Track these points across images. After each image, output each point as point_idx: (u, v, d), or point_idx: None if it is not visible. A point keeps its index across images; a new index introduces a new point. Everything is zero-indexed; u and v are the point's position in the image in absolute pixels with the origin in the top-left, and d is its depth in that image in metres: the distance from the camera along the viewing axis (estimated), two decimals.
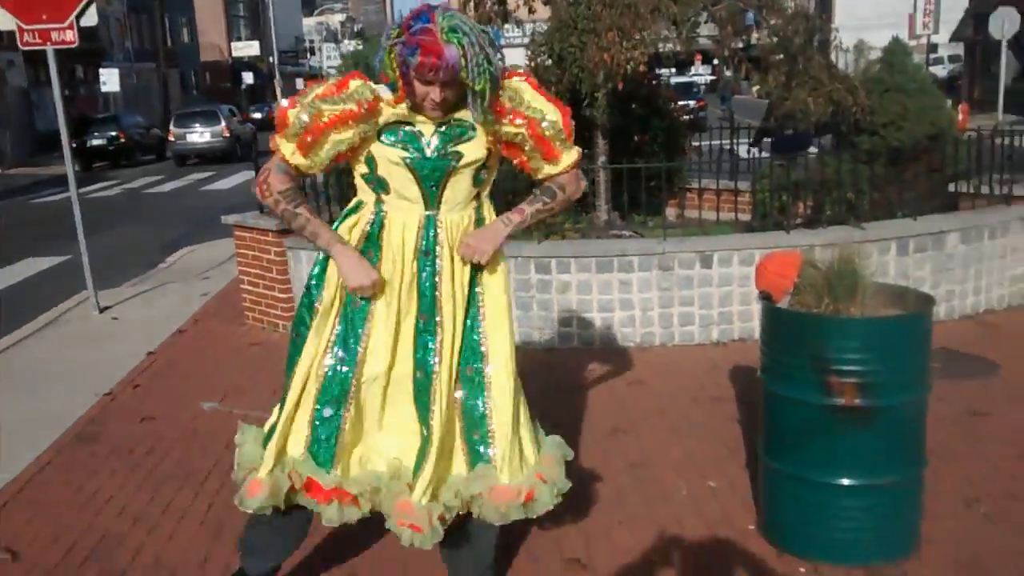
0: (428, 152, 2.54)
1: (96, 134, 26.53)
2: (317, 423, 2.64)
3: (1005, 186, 6.08)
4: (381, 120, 2.54)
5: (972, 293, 5.82)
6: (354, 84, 2.50)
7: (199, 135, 25.60)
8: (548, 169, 2.70)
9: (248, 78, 51.88)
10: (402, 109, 2.54)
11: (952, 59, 37.63)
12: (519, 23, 7.55)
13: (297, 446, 2.67)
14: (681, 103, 14.62)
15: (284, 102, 2.57)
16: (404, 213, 2.61)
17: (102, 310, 7.52)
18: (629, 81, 6.77)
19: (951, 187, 6.32)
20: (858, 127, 6.45)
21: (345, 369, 2.63)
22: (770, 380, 3.09)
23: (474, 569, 2.83)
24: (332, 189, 6.51)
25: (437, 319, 2.62)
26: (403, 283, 2.62)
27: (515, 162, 2.71)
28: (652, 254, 5.49)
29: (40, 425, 4.88)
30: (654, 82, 7.86)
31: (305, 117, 2.48)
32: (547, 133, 2.61)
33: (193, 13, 52.44)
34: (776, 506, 3.17)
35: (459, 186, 2.60)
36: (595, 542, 3.28)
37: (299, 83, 63.49)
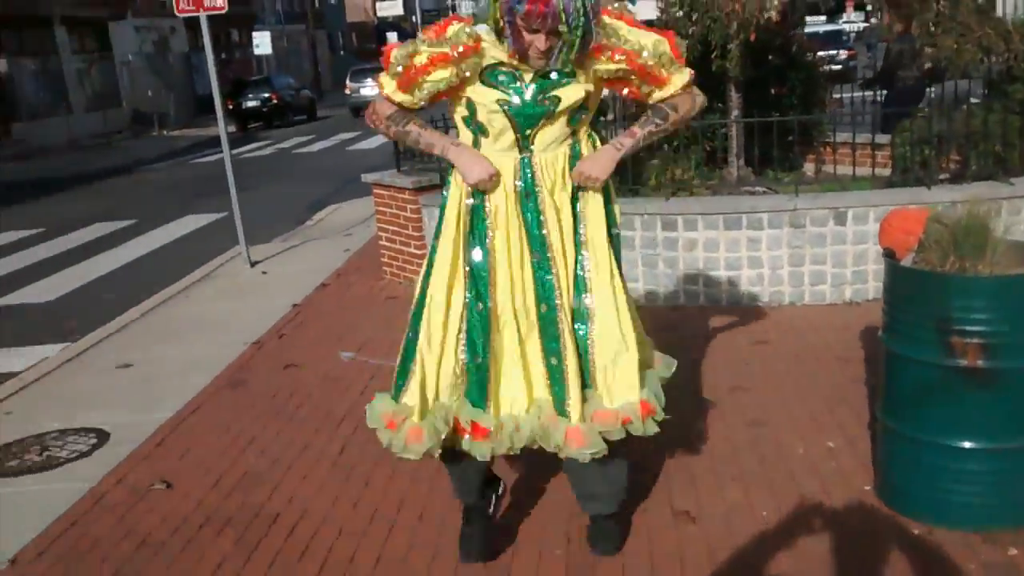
0: (527, 96, 2.61)
1: (250, 96, 27.79)
2: (470, 369, 2.76)
3: None
4: (484, 61, 2.61)
5: None
6: (452, 28, 2.59)
7: (370, 89, 26.58)
8: (659, 94, 2.72)
9: (392, 37, 52.87)
10: (505, 54, 2.60)
11: None
12: None
13: (449, 391, 2.79)
14: (830, 52, 14.03)
15: (392, 42, 2.72)
16: (500, 157, 2.69)
17: (253, 264, 7.99)
18: (764, 31, 6.58)
19: None
20: (1011, 75, 6.05)
21: (481, 307, 2.74)
22: (890, 339, 3.02)
23: (608, 489, 2.94)
24: None
25: (549, 255, 2.72)
26: (509, 224, 2.72)
27: (625, 92, 2.76)
28: (783, 211, 5.37)
29: (194, 371, 5.28)
30: (792, 34, 7.57)
31: (403, 55, 2.60)
32: (649, 63, 2.63)
33: None
34: (893, 468, 3.11)
35: (553, 128, 2.67)
36: (706, 497, 3.32)
37: None
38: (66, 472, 4.06)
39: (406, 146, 2.86)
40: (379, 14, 54.15)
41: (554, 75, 2.61)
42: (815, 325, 5.13)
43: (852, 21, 43.14)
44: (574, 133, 2.75)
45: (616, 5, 2.70)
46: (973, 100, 6.43)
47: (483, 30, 2.62)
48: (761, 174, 6.71)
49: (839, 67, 18.08)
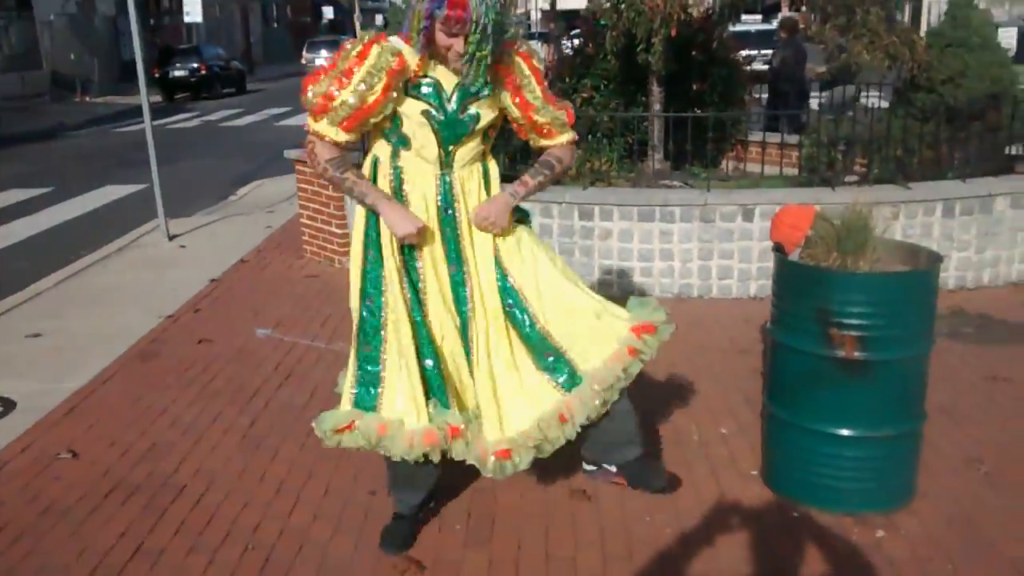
0: (449, 107, 2.72)
1: (178, 65, 27.15)
2: (431, 375, 2.85)
3: None
4: (407, 74, 2.68)
5: (1019, 260, 5.75)
6: (375, 51, 2.64)
7: (325, 60, 26.21)
8: (543, 143, 2.95)
9: (328, 12, 52.19)
10: (427, 64, 2.70)
11: None
12: None
13: (421, 397, 2.83)
14: (762, 51, 14.29)
15: (310, 90, 2.69)
16: (420, 172, 2.80)
17: (171, 238, 7.90)
18: (687, 27, 6.76)
19: (1007, 150, 6.20)
20: (915, 83, 6.35)
21: (419, 318, 2.85)
22: (776, 330, 3.20)
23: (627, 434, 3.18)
24: None
25: (465, 269, 2.88)
26: (431, 240, 2.85)
27: (513, 126, 2.96)
28: (694, 205, 5.56)
29: (108, 341, 5.25)
30: (716, 29, 7.77)
31: (352, 101, 2.64)
32: (541, 120, 2.87)
33: None
34: (776, 452, 3.30)
35: (471, 145, 2.81)
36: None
37: (379, 19, 63.62)
38: None
39: (340, 190, 2.85)
40: None
41: (472, 88, 2.72)
42: (720, 318, 5.34)
43: None
44: (483, 152, 2.90)
45: (524, 48, 2.83)
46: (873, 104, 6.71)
47: (397, 42, 2.68)
48: (679, 168, 6.91)
49: (769, 65, 18.44)
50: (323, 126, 2.71)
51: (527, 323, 2.92)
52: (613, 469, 3.31)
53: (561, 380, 2.94)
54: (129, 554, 3.08)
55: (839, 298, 2.98)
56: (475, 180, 2.88)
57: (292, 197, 9.58)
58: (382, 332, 2.83)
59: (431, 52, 2.66)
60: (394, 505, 3.13)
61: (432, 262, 2.86)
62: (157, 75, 26.22)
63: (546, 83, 2.91)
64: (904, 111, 6.05)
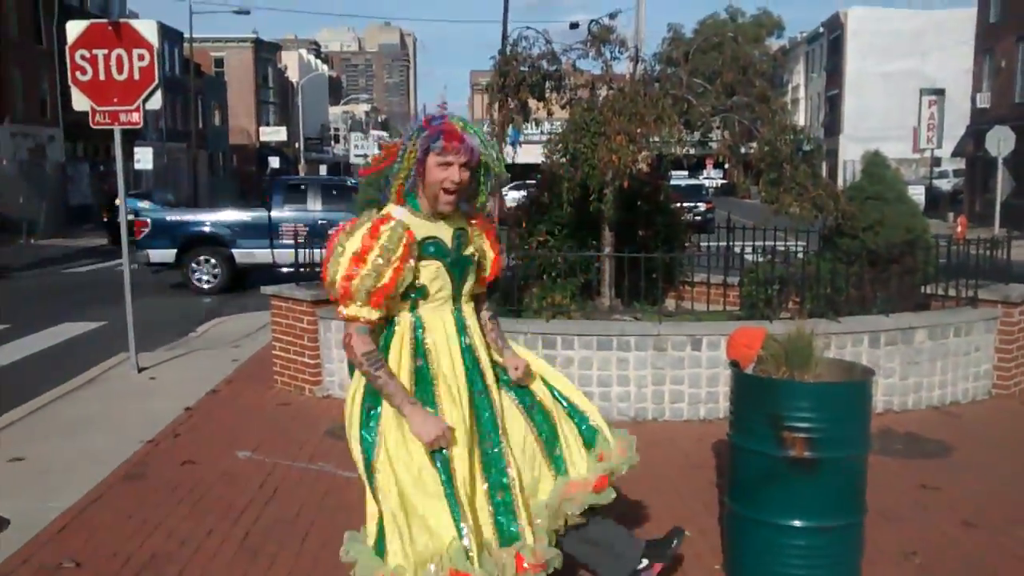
0: (455, 251, 3.02)
1: (127, 209, 27.42)
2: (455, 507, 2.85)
3: (971, 290, 6.69)
4: (419, 239, 2.94)
5: (939, 386, 6.37)
6: (385, 228, 2.88)
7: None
8: (478, 290, 3.23)
9: (274, 162, 53.60)
10: (427, 224, 2.98)
11: (957, 173, 38.69)
12: (538, 123, 8.33)
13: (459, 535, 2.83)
14: (690, 204, 15.36)
15: (329, 278, 2.90)
16: (437, 313, 3.01)
17: (140, 370, 8.12)
18: (635, 180, 7.47)
19: (923, 288, 6.93)
20: (840, 230, 7.10)
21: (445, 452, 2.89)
22: (735, 435, 3.65)
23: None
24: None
25: (490, 397, 3.08)
26: (454, 379, 3.00)
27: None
28: (648, 335, 6.08)
29: (90, 465, 5.43)
30: (658, 182, 8.54)
31: (372, 280, 2.83)
32: (494, 266, 3.25)
33: (225, 98, 54.48)
34: (737, 546, 3.69)
35: (471, 280, 3.12)
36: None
37: (322, 169, 65.36)
38: None
39: (373, 385, 2.93)
40: (262, 138, 54.97)
41: (462, 235, 3.06)
42: (674, 438, 5.77)
43: (711, 177, 46.63)
44: None
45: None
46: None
47: (401, 214, 2.95)
48: (628, 305, 7.47)
49: (699, 218, 19.71)
50: (354, 309, 2.87)
51: (543, 421, 3.20)
52: (645, 561, 3.47)
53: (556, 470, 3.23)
54: None
55: (789, 404, 3.46)
56: (474, 310, 3.17)
57: (255, 333, 9.96)
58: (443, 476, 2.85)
59: (418, 195, 2.96)
60: None
61: (456, 398, 2.97)
62: (106, 218, 26.51)
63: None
64: (831, 255, 6.76)
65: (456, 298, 3.06)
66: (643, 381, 6.09)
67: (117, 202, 9.31)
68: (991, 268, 6.93)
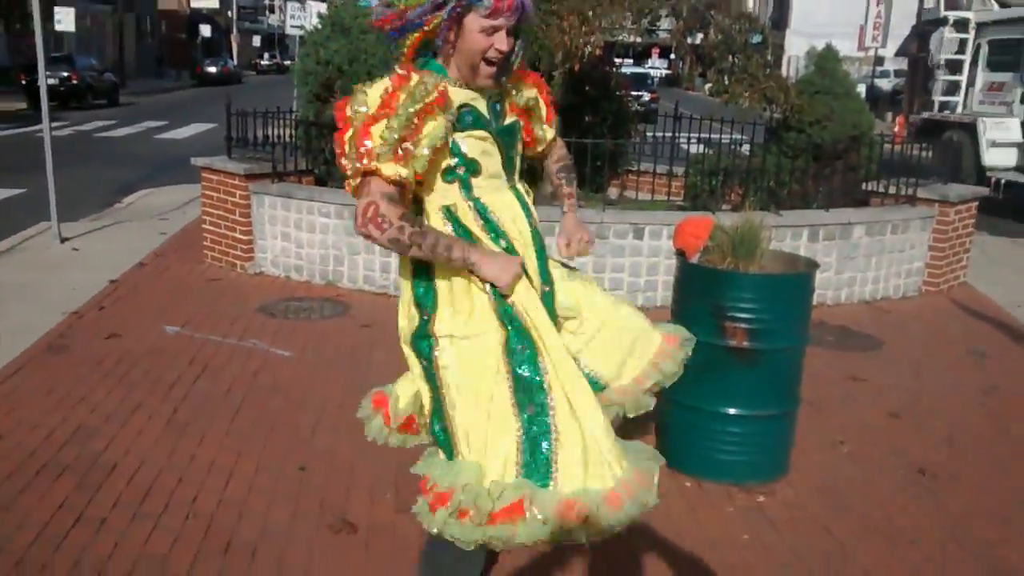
0: (495, 120, 2.39)
1: (47, 73, 26.10)
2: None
3: (911, 188, 6.74)
4: (453, 105, 2.29)
5: (872, 281, 6.48)
6: (413, 79, 2.23)
7: None
8: (546, 134, 2.62)
9: (205, 31, 51.24)
10: (458, 91, 2.31)
11: (899, 73, 38.84)
12: None
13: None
14: (635, 94, 15.14)
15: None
16: (496, 192, 2.38)
17: (63, 240, 7.81)
18: (585, 64, 7.26)
19: (865, 185, 6.96)
20: (787, 124, 7.04)
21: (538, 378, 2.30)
22: (675, 323, 3.61)
23: None
24: (300, 141, 6.93)
25: (548, 275, 2.48)
26: (534, 270, 2.43)
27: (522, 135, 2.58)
28: (591, 223, 6.00)
29: (9, 336, 5.23)
30: (608, 68, 8.33)
31: (395, 124, 2.18)
32: (540, 141, 2.62)
33: None
34: (671, 432, 3.72)
35: (519, 151, 2.49)
36: None
37: (256, 40, 62.78)
38: None
39: (417, 252, 2.24)
40: (193, 5, 52.32)
41: (498, 105, 2.40)
42: None
43: (656, 67, 46.07)
44: None
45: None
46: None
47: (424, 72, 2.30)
48: None
49: (643, 108, 19.46)
50: (376, 164, 2.18)
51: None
52: None
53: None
54: (70, 523, 3.20)
55: (732, 295, 3.44)
56: (525, 192, 2.50)
57: (184, 206, 9.64)
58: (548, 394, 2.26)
59: (445, 62, 2.30)
60: None
61: (525, 288, 2.35)
62: (24, 81, 25.20)
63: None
64: (776, 148, 6.71)
65: (509, 174, 2.42)
66: (583, 267, 6.01)
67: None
68: (929, 167, 6.98)
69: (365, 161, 2.19)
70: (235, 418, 4.17)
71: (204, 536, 3.14)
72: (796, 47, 42.14)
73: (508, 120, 2.42)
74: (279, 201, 6.64)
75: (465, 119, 2.31)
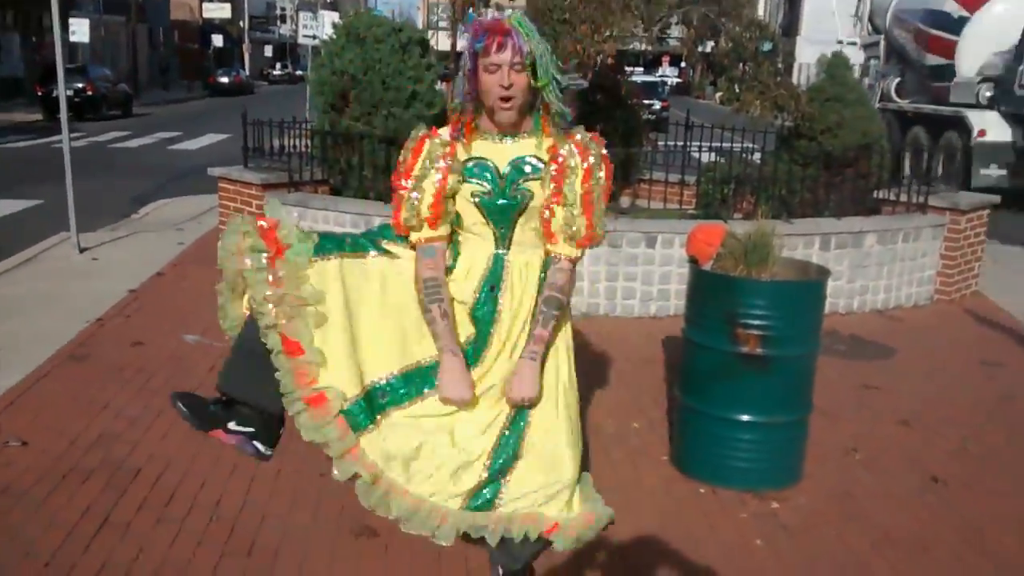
0: (501, 185, 2.49)
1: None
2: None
3: (922, 196, 6.78)
4: (461, 159, 2.51)
5: (884, 290, 6.51)
6: (428, 144, 2.50)
7: None
8: (559, 235, 2.50)
9: (217, 41, 51.59)
10: (477, 145, 2.51)
11: None
12: (499, 8, 8.07)
13: None
14: (647, 102, 15.23)
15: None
16: (475, 248, 2.55)
17: (82, 250, 7.91)
18: (596, 73, 7.33)
19: (875, 193, 7.00)
20: (798, 132, 7.09)
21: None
22: (689, 330, 3.69)
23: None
24: (316, 151, 7.02)
25: (484, 351, 2.54)
26: (462, 319, 2.55)
27: None
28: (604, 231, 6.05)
29: (34, 344, 5.32)
30: (619, 76, 8.40)
31: (417, 196, 2.47)
32: (557, 222, 2.47)
33: None
34: (685, 438, 3.78)
35: (529, 226, 2.51)
36: None
37: (267, 50, 63.14)
38: None
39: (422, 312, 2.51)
40: (205, 15, 52.74)
41: (528, 167, 2.48)
42: (625, 334, 5.84)
43: (667, 75, 46.14)
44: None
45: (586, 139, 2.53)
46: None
47: (444, 132, 2.54)
48: None
49: (654, 116, 19.53)
50: (414, 233, 2.50)
51: (513, 435, 2.53)
52: None
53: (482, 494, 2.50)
54: (96, 527, 3.27)
55: (745, 302, 3.49)
56: (535, 267, 2.53)
57: (200, 216, 9.73)
58: None
59: (477, 109, 2.47)
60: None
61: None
62: (39, 92, 25.43)
63: (601, 190, 2.52)
64: (787, 156, 6.76)
65: (500, 242, 2.52)
66: (597, 277, 6.10)
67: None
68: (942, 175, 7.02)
69: (402, 232, 2.54)
70: None
71: (227, 539, 3.21)
72: (807, 54, 42.16)
73: (520, 189, 2.48)
74: (295, 211, 6.72)
75: (471, 171, 2.50)
